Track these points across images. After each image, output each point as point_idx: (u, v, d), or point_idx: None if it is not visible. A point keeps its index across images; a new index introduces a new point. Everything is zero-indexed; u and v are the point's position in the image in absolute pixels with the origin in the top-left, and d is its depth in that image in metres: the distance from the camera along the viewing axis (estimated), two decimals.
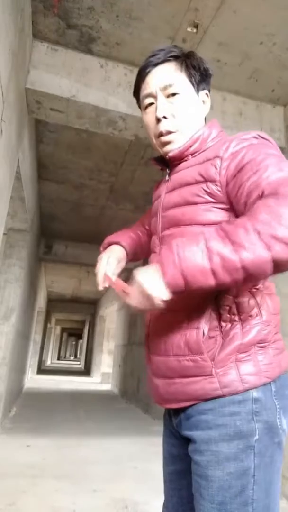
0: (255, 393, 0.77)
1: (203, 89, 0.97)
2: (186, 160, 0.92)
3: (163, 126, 0.91)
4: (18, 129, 2.41)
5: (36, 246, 6.42)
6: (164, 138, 0.92)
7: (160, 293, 0.71)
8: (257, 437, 0.75)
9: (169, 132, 0.92)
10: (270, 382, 0.79)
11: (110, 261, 1.00)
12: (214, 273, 0.68)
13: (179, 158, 0.92)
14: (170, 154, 0.92)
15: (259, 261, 0.65)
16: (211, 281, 0.68)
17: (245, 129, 3.05)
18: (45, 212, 5.83)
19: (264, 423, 0.76)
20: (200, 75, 0.95)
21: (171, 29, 2.40)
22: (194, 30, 2.39)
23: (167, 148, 0.93)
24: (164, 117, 0.91)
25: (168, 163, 0.97)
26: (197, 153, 0.90)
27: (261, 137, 0.83)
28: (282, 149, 2.90)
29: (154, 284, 0.71)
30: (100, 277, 0.96)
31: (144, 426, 4.94)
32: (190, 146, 0.90)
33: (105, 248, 1.08)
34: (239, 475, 0.73)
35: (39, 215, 5.82)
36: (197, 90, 0.95)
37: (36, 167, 4.21)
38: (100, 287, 0.95)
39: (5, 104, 1.87)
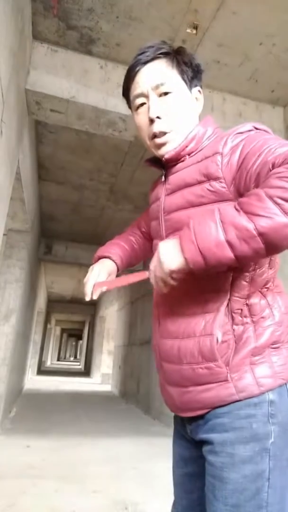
0: (271, 395, 0.76)
1: (196, 85, 0.93)
2: (183, 161, 0.89)
3: (157, 127, 0.88)
4: (18, 130, 2.41)
5: (36, 246, 6.42)
6: (158, 140, 0.89)
7: (171, 263, 0.73)
8: (272, 440, 0.74)
9: (164, 133, 0.89)
10: (286, 383, 0.78)
11: (101, 274, 0.98)
12: (230, 244, 0.67)
13: (176, 159, 0.89)
14: (167, 156, 0.89)
15: (277, 226, 0.64)
16: (228, 254, 0.68)
17: None
18: (45, 213, 5.84)
19: (279, 426, 0.76)
20: (192, 71, 0.91)
21: (171, 30, 2.41)
22: (194, 31, 2.40)
23: (163, 150, 0.90)
24: (158, 117, 0.88)
25: (164, 164, 0.93)
26: (194, 152, 0.88)
27: (258, 128, 0.82)
28: None
29: (168, 254, 0.74)
30: (88, 288, 0.94)
31: (144, 426, 4.94)
32: (186, 146, 0.88)
33: (96, 261, 1.06)
34: (254, 478, 0.73)
35: (39, 215, 5.82)
36: (190, 87, 0.92)
37: (36, 168, 4.22)
38: (87, 298, 0.93)
39: (5, 105, 1.87)
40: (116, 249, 1.08)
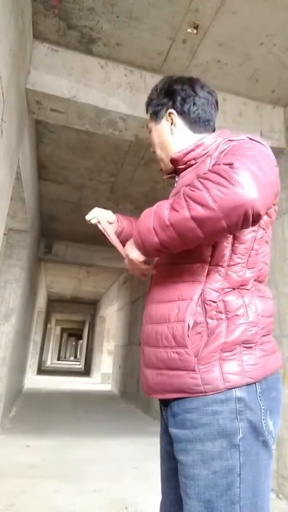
0: (238, 393, 0.78)
1: (166, 111, 1.05)
2: (190, 165, 0.99)
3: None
4: (18, 130, 2.41)
5: (36, 246, 6.42)
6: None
7: (136, 256, 0.91)
8: (241, 435, 0.76)
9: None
10: (255, 383, 0.80)
11: (107, 213, 1.17)
12: (155, 230, 0.82)
13: (182, 162, 1.01)
14: (173, 156, 1.02)
15: (180, 218, 0.77)
16: (155, 239, 0.83)
17: (245, 130, 3.05)
18: (45, 213, 5.83)
19: (248, 422, 0.77)
20: (158, 104, 1.07)
21: (171, 30, 2.41)
22: (194, 31, 2.39)
23: (161, 166, 1.12)
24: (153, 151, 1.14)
25: (177, 172, 1.06)
26: (199, 158, 0.97)
27: (251, 139, 0.86)
28: (281, 150, 2.90)
29: (132, 250, 0.92)
30: (93, 212, 1.13)
31: (144, 426, 4.94)
32: (192, 150, 0.98)
33: None
34: (224, 473, 0.74)
35: (39, 215, 5.82)
36: (157, 120, 1.08)
37: (36, 167, 4.21)
38: (88, 217, 1.13)
39: (5, 104, 1.87)
40: (125, 221, 1.21)
